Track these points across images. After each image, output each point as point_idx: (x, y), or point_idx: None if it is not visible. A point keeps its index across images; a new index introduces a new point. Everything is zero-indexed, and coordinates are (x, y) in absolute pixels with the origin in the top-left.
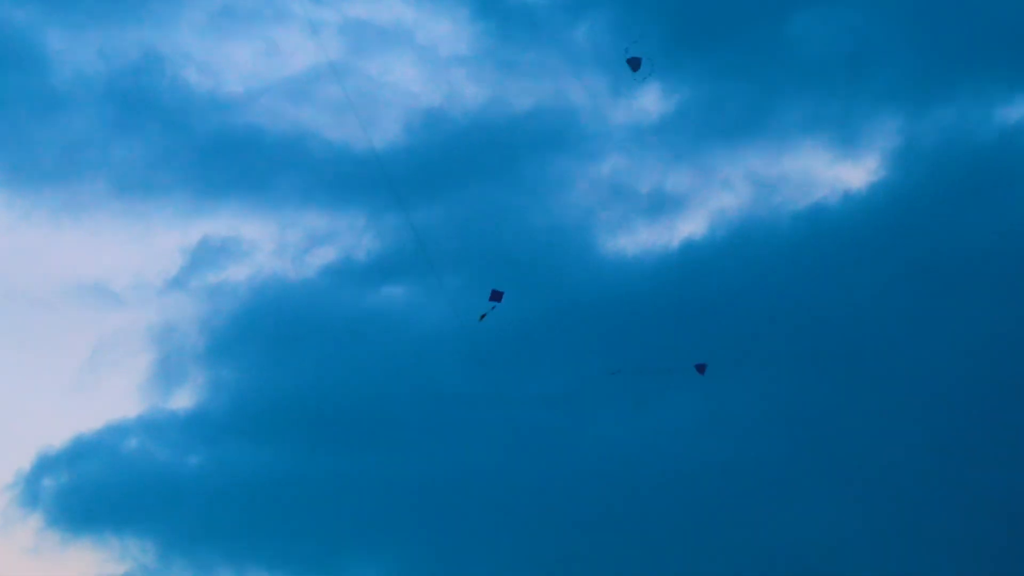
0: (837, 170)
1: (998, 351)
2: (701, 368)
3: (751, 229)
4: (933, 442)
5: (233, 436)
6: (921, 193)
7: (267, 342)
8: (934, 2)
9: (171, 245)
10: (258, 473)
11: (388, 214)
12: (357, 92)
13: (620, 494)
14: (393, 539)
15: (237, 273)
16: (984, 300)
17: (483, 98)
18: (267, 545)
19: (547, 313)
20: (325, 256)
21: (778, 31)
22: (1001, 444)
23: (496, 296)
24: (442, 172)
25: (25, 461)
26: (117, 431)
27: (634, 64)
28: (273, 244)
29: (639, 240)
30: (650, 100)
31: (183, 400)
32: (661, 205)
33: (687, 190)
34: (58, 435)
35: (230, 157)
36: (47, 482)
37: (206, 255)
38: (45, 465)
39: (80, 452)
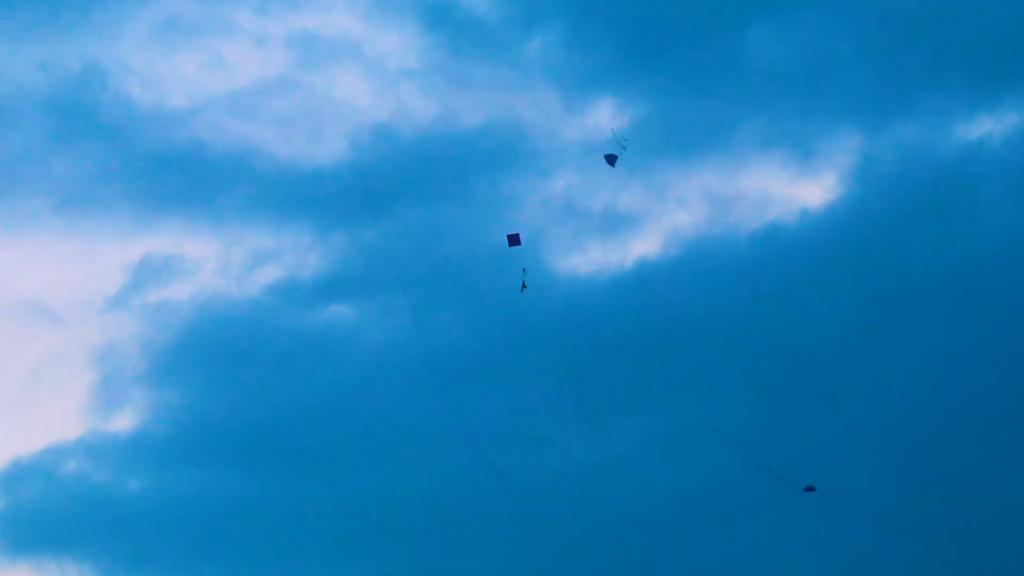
0: (794, 188)
1: (958, 370)
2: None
3: (706, 248)
4: (893, 462)
5: (175, 459)
6: (880, 211)
7: (210, 362)
8: (893, 18)
9: (112, 262)
10: (201, 497)
11: (334, 232)
12: (304, 106)
13: (575, 517)
14: (338, 564)
15: (180, 291)
16: (943, 319)
17: (433, 113)
18: (209, 570)
19: (498, 333)
20: (270, 274)
21: (734, 46)
22: (962, 464)
23: (515, 240)
24: (390, 189)
25: None
26: (56, 453)
27: (611, 160)
28: (217, 262)
29: (592, 259)
30: (604, 115)
31: (124, 422)
32: (614, 223)
33: (641, 208)
34: None
35: (173, 172)
36: None
37: (148, 273)
38: None
39: (18, 475)
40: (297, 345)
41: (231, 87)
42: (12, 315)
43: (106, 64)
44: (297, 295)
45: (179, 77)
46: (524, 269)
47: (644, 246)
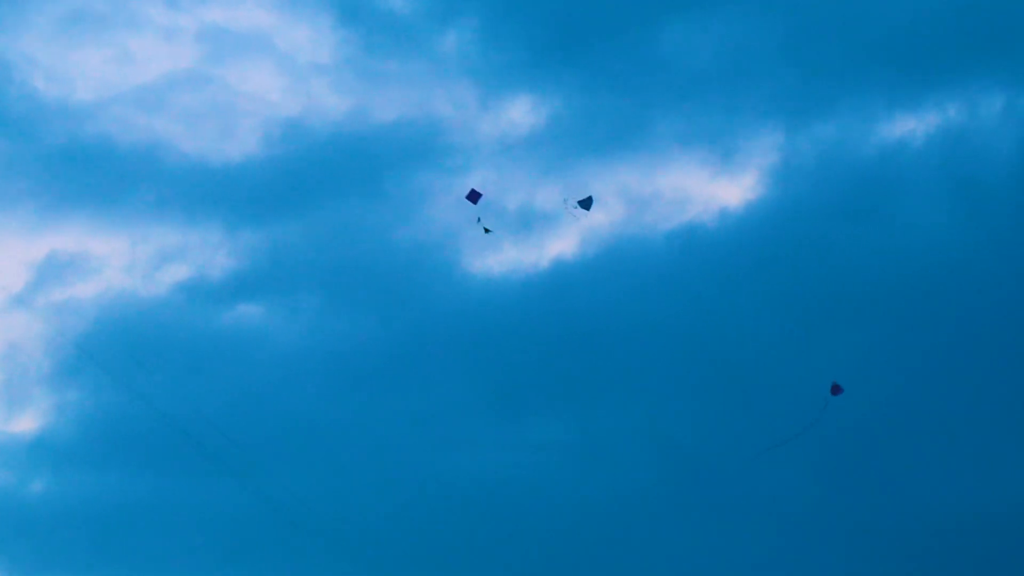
0: (713, 187)
1: (877, 370)
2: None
3: (624, 247)
4: (811, 464)
5: (79, 461)
6: (800, 211)
7: (116, 362)
8: (814, 16)
9: (15, 260)
10: (105, 499)
11: (244, 229)
12: (213, 101)
13: (487, 519)
14: (245, 567)
15: (85, 290)
16: (863, 319)
17: (345, 108)
18: (113, 573)
19: (410, 333)
20: (178, 273)
21: (653, 42)
22: (878, 465)
23: (474, 197)
24: (301, 185)
25: None
26: None
27: (586, 204)
28: (123, 260)
29: (507, 258)
30: (519, 113)
31: (27, 423)
32: (530, 222)
33: (557, 206)
34: None
35: (79, 168)
36: None
37: (53, 271)
38: None
39: None
40: (205, 345)
41: (139, 81)
42: None
43: (10, 57)
44: (206, 294)
45: (85, 71)
46: (480, 219)
47: (560, 245)
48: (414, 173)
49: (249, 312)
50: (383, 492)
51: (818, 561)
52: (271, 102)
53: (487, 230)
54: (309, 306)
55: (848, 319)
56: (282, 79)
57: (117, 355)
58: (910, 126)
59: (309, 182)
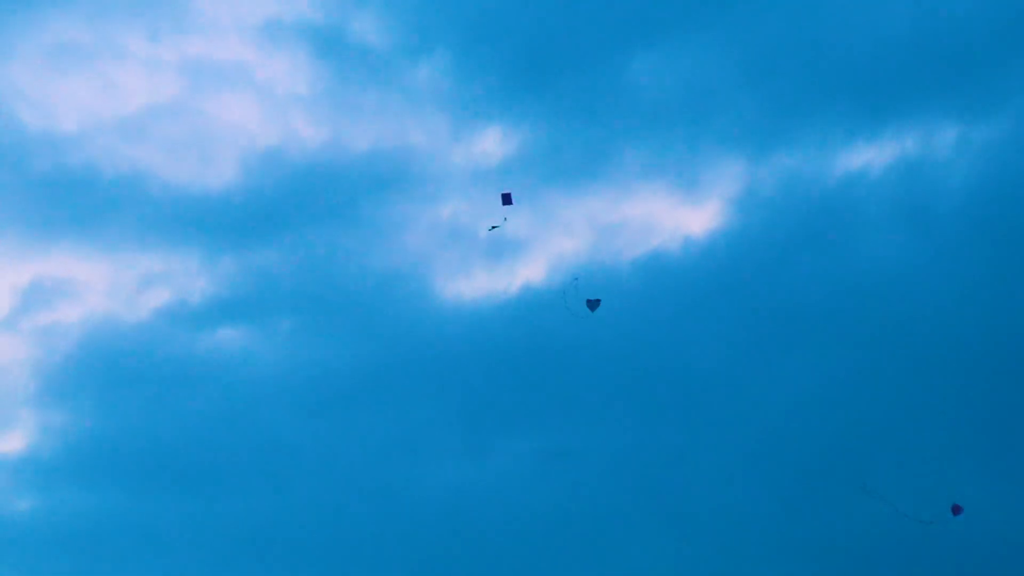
0: (678, 215)
1: (835, 391)
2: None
3: (591, 274)
4: (770, 483)
5: (64, 480)
6: (761, 239)
7: (100, 384)
8: (776, 50)
9: (2, 285)
10: (89, 517)
11: (224, 255)
12: (194, 131)
13: (457, 539)
14: None
15: (70, 314)
16: (822, 343)
17: (322, 138)
18: None
19: (384, 357)
20: (159, 298)
21: (619, 74)
22: (836, 479)
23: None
24: (279, 212)
25: None
26: None
27: (592, 305)
28: (106, 285)
29: (478, 284)
30: (490, 143)
31: (13, 443)
32: (500, 249)
33: (527, 234)
34: None
35: (64, 196)
36: None
37: (38, 296)
38: None
39: None
40: (186, 367)
41: (122, 112)
42: None
43: None
44: (186, 318)
45: (70, 101)
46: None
47: (529, 271)
48: (388, 201)
49: (228, 335)
50: (359, 506)
51: (769, 569)
52: (250, 132)
53: (495, 227)
54: (286, 330)
55: (807, 342)
56: (260, 110)
57: (100, 377)
58: (868, 157)
59: (287, 210)
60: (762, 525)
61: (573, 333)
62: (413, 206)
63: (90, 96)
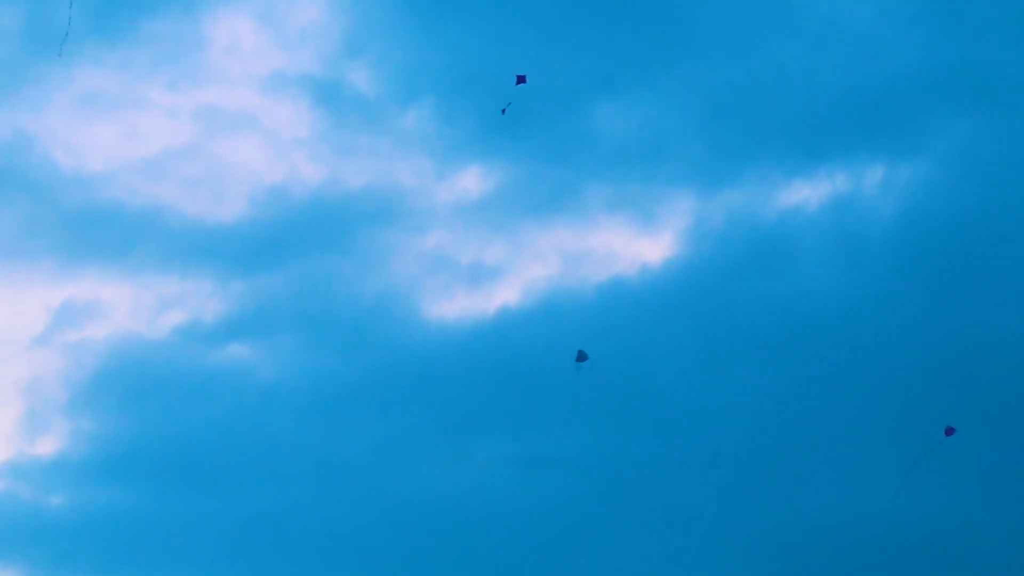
0: (636, 245)
1: (777, 404)
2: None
3: (559, 297)
4: (724, 482)
5: (92, 479)
6: (710, 266)
7: (124, 394)
8: (723, 99)
9: (37, 306)
10: (113, 511)
11: (234, 280)
12: (208, 170)
13: (439, 534)
14: (229, 570)
15: (97, 332)
16: (764, 360)
17: (321, 177)
18: (120, 575)
19: (375, 370)
20: (176, 317)
21: (584, 120)
22: (783, 483)
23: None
24: (284, 242)
25: None
26: None
27: (581, 357)
28: (129, 306)
29: (459, 306)
30: (470, 180)
31: (48, 446)
32: (480, 275)
33: (503, 261)
34: None
35: (92, 228)
36: None
37: (69, 316)
38: None
39: None
40: (199, 379)
41: (144, 153)
42: None
43: (33, 132)
44: (200, 336)
45: (98, 144)
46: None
47: (505, 295)
48: (379, 232)
49: (237, 351)
50: (353, 505)
51: (720, 561)
52: (257, 171)
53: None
54: (288, 346)
55: (750, 357)
56: (266, 151)
57: (124, 388)
58: (804, 193)
59: (289, 239)
60: (714, 516)
61: (543, 349)
62: (402, 236)
63: (116, 139)
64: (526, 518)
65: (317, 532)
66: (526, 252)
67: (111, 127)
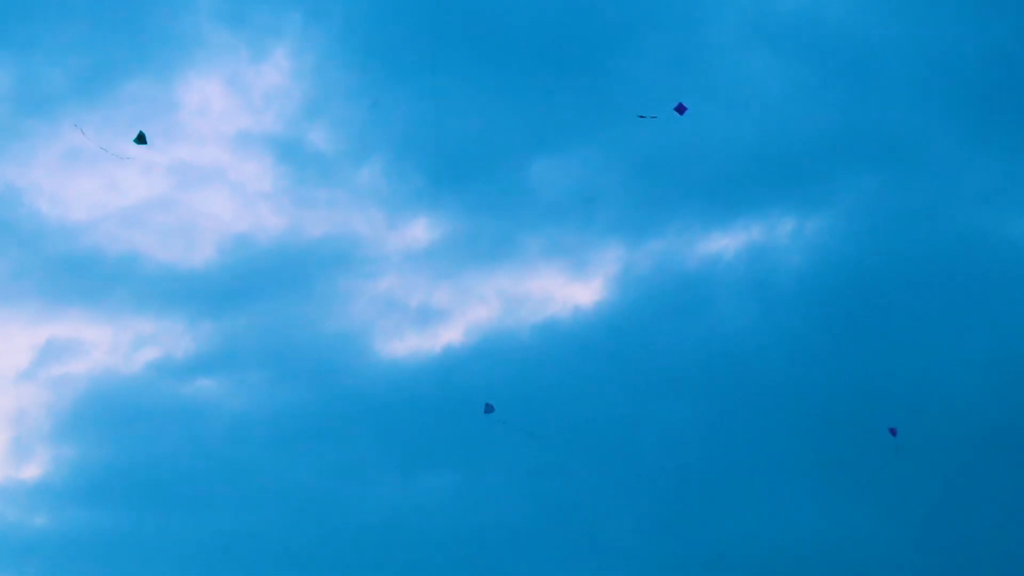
0: (569, 290)
1: (698, 436)
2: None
3: (500, 337)
4: (647, 502)
5: (73, 501)
6: (637, 309)
7: (102, 423)
8: (648, 155)
9: (23, 343)
10: (94, 530)
11: (203, 320)
12: (180, 220)
13: (389, 552)
14: None
15: (78, 367)
16: (686, 396)
17: (282, 226)
18: None
19: (332, 403)
20: (151, 354)
21: (521, 175)
22: (701, 507)
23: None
24: (249, 286)
25: None
26: None
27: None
28: (108, 344)
29: (409, 345)
30: (419, 230)
31: (32, 471)
32: (428, 316)
33: (449, 304)
34: None
35: (75, 273)
36: None
37: (52, 352)
38: None
39: None
40: (171, 410)
41: (122, 204)
42: None
43: (20, 184)
44: (172, 371)
45: (80, 195)
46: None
47: (450, 335)
48: (336, 277)
49: (206, 385)
50: (311, 525)
51: None
52: (225, 221)
53: (642, 116)
54: (253, 381)
55: (674, 395)
56: (234, 203)
57: (102, 418)
58: (722, 243)
59: (254, 284)
60: (640, 537)
61: (485, 384)
62: (356, 281)
63: (96, 191)
64: (467, 539)
65: (278, 550)
66: (469, 296)
67: (92, 180)
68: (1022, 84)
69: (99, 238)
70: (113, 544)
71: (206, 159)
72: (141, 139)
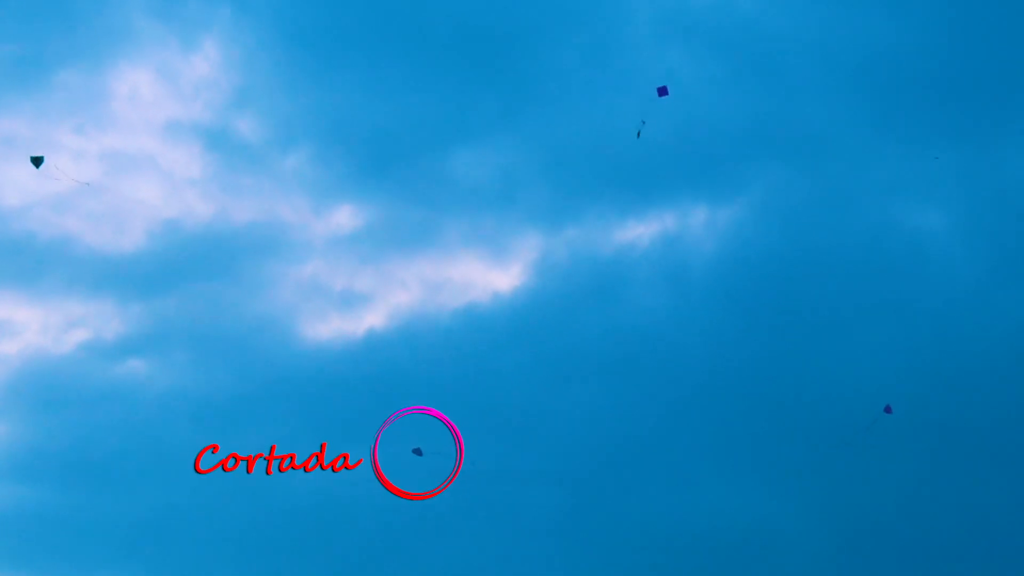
0: (489, 276)
1: (612, 417)
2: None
3: (421, 321)
4: (565, 486)
5: (3, 479)
6: (554, 295)
7: (32, 403)
8: (565, 146)
9: None
10: (24, 509)
11: (133, 303)
12: (111, 206)
13: (303, 529)
14: (124, 564)
15: (9, 348)
16: (602, 378)
17: (211, 212)
18: (26, 570)
19: (257, 384)
20: (81, 336)
21: (443, 165)
22: (617, 487)
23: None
24: (177, 270)
25: None
26: None
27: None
28: (39, 325)
29: (332, 328)
30: (343, 217)
31: None
32: (351, 301)
33: (372, 289)
34: None
35: (7, 255)
36: None
37: None
38: None
39: None
40: (101, 390)
41: (54, 190)
42: None
43: None
44: (101, 352)
45: (14, 182)
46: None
47: (373, 319)
48: (263, 262)
49: (135, 366)
50: (234, 504)
51: (561, 563)
52: (154, 207)
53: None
54: (180, 362)
55: (590, 377)
56: (163, 189)
57: (34, 398)
58: (637, 232)
59: (183, 268)
60: (556, 521)
61: (407, 367)
62: (282, 266)
63: (29, 178)
64: (382, 521)
65: (202, 527)
66: (392, 281)
67: (26, 167)
68: (928, 78)
69: (31, 222)
70: (44, 521)
71: (136, 147)
72: (37, 162)
